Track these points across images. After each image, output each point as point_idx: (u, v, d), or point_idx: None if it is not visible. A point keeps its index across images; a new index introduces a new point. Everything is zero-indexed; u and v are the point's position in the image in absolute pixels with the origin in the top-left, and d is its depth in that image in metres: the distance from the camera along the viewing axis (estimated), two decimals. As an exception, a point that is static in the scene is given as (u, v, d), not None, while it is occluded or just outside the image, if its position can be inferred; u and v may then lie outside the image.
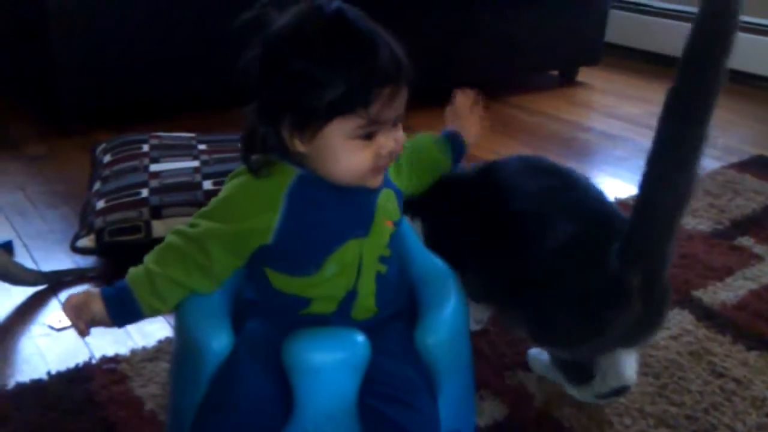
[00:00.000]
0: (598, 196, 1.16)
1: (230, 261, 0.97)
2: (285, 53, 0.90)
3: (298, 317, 0.97)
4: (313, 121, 0.90)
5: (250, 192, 0.96)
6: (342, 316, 0.98)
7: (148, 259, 0.98)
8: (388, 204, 1.01)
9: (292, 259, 0.96)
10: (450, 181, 1.24)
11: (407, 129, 0.98)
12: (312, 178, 0.95)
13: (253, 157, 0.96)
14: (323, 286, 0.96)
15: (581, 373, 1.18)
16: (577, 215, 1.11)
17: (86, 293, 0.97)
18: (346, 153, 0.92)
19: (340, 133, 0.90)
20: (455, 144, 1.25)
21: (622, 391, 1.19)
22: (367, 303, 0.99)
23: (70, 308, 0.96)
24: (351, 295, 0.97)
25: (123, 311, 0.96)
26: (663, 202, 0.97)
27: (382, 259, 1.00)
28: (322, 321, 0.97)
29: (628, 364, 1.17)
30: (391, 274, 1.02)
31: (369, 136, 0.91)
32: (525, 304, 1.10)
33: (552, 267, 1.07)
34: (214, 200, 0.98)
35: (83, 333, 0.97)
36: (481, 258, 1.17)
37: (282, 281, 0.97)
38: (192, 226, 0.97)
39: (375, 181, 0.96)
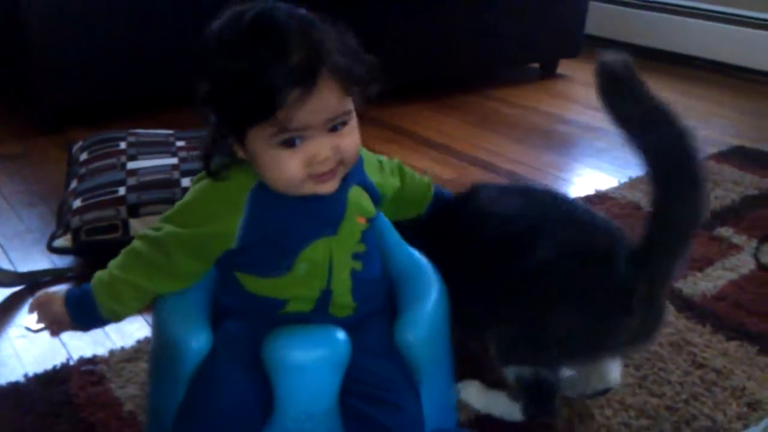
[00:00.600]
0: (585, 207, 1.18)
1: (194, 265, 0.97)
2: (206, 59, 0.89)
3: (276, 317, 0.96)
4: (233, 129, 0.88)
5: (211, 196, 0.95)
6: (320, 314, 0.97)
7: (112, 263, 0.99)
8: (360, 200, 0.99)
9: (260, 262, 0.95)
10: (440, 207, 1.23)
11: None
12: None
13: (214, 160, 0.94)
14: (296, 286, 0.96)
15: (547, 399, 1.12)
16: (573, 225, 1.11)
17: (51, 293, 1.00)
18: (272, 161, 0.89)
19: (260, 141, 0.88)
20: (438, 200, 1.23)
21: (605, 392, 1.19)
22: (343, 300, 0.98)
23: (35, 306, 1.00)
24: (326, 294, 0.97)
25: (82, 314, 0.99)
26: (682, 214, 1.01)
27: (357, 256, 0.99)
28: (300, 319, 0.96)
29: (613, 367, 1.19)
30: (369, 270, 1.01)
31: (290, 144, 0.87)
32: (525, 318, 1.07)
33: (555, 277, 1.05)
34: (177, 204, 0.98)
35: (53, 333, 0.99)
36: (477, 279, 1.13)
37: (254, 284, 0.97)
38: (156, 230, 0.96)
39: (323, 188, 0.92)
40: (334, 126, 0.90)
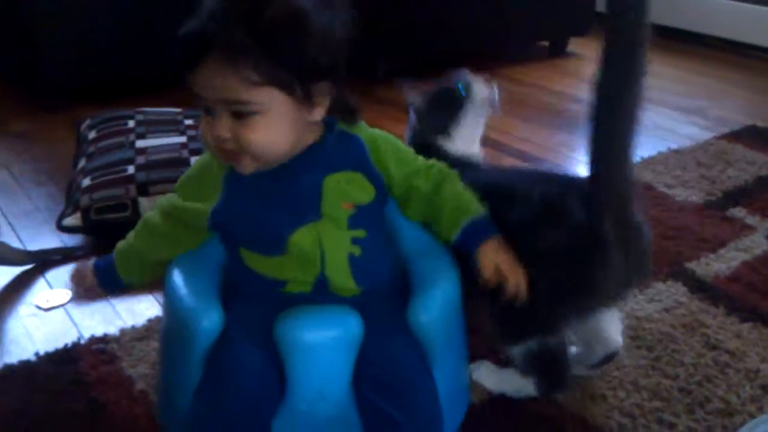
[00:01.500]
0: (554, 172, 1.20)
1: (191, 232, 1.01)
2: None
3: (279, 296, 0.96)
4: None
5: (200, 172, 1.01)
6: (322, 294, 0.96)
7: (130, 232, 1.06)
8: (347, 186, 0.97)
9: (255, 241, 0.97)
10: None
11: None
12: None
13: None
14: (292, 268, 0.95)
15: (559, 371, 1.12)
16: (539, 183, 1.12)
17: (84, 265, 1.08)
18: (201, 125, 0.94)
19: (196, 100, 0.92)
20: (465, 244, 1.04)
21: (611, 357, 1.18)
22: (343, 284, 0.97)
23: (72, 277, 1.09)
24: (322, 278, 0.96)
25: (108, 282, 1.06)
26: (612, 137, 1.05)
27: (356, 241, 0.97)
28: (303, 299, 0.96)
29: (613, 328, 1.17)
30: (372, 254, 0.99)
31: (207, 111, 0.90)
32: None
33: (525, 243, 1.03)
34: (184, 175, 1.05)
35: (89, 299, 1.18)
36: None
37: (254, 261, 0.97)
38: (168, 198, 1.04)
39: (238, 167, 0.93)
40: (239, 112, 0.88)
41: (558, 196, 1.08)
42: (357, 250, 0.97)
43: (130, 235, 1.06)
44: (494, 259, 1.00)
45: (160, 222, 1.02)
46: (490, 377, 1.18)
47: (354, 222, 0.97)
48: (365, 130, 1.02)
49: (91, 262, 1.08)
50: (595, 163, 1.06)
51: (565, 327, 1.12)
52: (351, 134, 1.00)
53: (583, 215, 1.03)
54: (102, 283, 1.07)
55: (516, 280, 1.00)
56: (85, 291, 1.08)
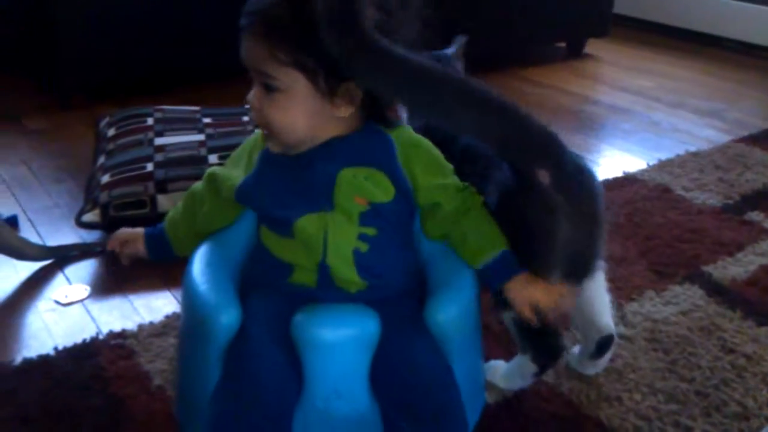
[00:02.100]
0: None
1: (227, 204, 1.04)
2: None
3: (286, 286, 0.98)
4: None
5: (247, 146, 1.05)
6: (327, 289, 0.97)
7: (180, 202, 1.12)
8: (364, 182, 0.97)
9: (269, 218, 1.00)
10: None
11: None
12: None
13: None
14: (296, 251, 0.97)
15: (550, 338, 1.11)
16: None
17: (130, 232, 1.14)
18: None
19: None
20: (490, 276, 1.01)
21: (607, 343, 1.17)
22: (347, 276, 0.97)
23: (116, 240, 1.15)
24: (323, 267, 0.96)
25: (159, 251, 1.13)
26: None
27: (364, 238, 0.97)
28: (310, 294, 0.97)
29: (604, 313, 1.17)
30: (380, 254, 0.98)
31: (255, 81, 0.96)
32: None
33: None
34: None
35: (125, 262, 1.16)
36: None
37: (269, 238, 1.01)
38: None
39: (268, 143, 1.00)
40: (267, 85, 0.93)
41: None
42: (364, 247, 0.98)
43: (179, 205, 1.11)
44: (528, 295, 0.97)
45: (201, 190, 1.07)
46: (501, 376, 1.19)
47: (366, 219, 0.98)
48: (404, 134, 1.02)
49: (140, 230, 1.13)
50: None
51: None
52: (384, 134, 1.00)
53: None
54: (152, 253, 1.12)
55: (556, 311, 0.99)
56: (127, 257, 1.15)
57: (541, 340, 1.10)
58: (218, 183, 1.04)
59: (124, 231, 1.16)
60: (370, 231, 0.98)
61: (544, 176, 0.93)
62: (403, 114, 1.16)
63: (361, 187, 0.97)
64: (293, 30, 0.90)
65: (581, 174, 0.97)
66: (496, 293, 1.03)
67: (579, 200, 0.95)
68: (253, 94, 0.95)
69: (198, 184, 1.09)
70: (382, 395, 0.91)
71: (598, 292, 1.18)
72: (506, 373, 1.18)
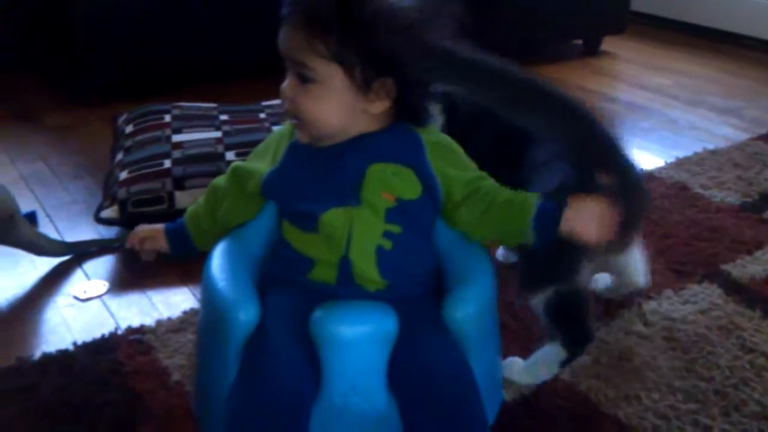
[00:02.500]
0: None
1: (249, 198, 1.04)
2: None
3: (306, 282, 0.98)
4: None
5: (273, 139, 1.06)
6: (346, 285, 0.97)
7: (201, 196, 1.12)
8: (393, 178, 0.98)
9: (293, 212, 1.00)
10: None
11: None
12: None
13: None
14: (319, 246, 0.97)
15: (580, 320, 1.15)
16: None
17: (151, 228, 1.15)
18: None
19: None
20: (544, 220, 0.96)
21: (638, 293, 1.36)
22: (367, 273, 0.97)
23: (135, 237, 1.15)
24: (345, 263, 0.97)
25: (179, 245, 1.13)
26: None
27: (388, 235, 0.97)
28: (329, 291, 0.97)
29: (638, 270, 1.35)
30: (404, 252, 0.99)
31: (289, 70, 0.96)
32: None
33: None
34: None
35: (146, 258, 1.17)
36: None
37: (291, 232, 1.00)
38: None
39: (297, 134, 1.00)
40: (302, 75, 0.94)
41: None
42: (388, 244, 0.98)
43: (200, 199, 1.11)
44: (587, 211, 0.93)
45: (224, 183, 1.07)
46: (521, 373, 1.19)
47: (391, 216, 0.98)
48: (432, 133, 1.03)
49: (160, 226, 1.13)
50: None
51: (578, 274, 1.13)
52: (413, 132, 1.01)
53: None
54: (173, 248, 1.13)
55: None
56: (148, 249, 1.15)
57: (573, 323, 1.13)
58: (242, 177, 1.04)
59: (143, 227, 1.16)
60: (395, 229, 0.98)
61: (606, 179, 0.95)
62: (437, 119, 1.18)
63: (389, 182, 0.98)
64: (337, 24, 0.90)
65: (639, 183, 1.02)
66: (527, 276, 1.12)
67: (634, 206, 0.99)
68: (287, 84, 0.96)
69: (220, 178, 1.09)
70: (401, 392, 0.91)
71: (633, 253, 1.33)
72: (529, 365, 1.19)
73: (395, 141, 0.99)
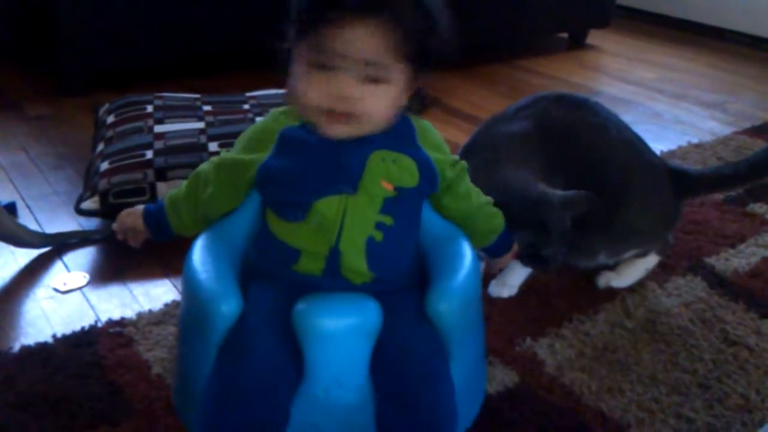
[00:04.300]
0: None
1: (234, 190, 1.02)
2: None
3: (290, 273, 0.96)
4: (290, 38, 0.93)
5: (262, 128, 1.01)
6: (333, 278, 0.96)
7: (183, 182, 1.08)
8: (392, 165, 0.97)
9: (279, 200, 0.98)
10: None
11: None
12: (302, 124, 0.97)
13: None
14: (308, 237, 0.95)
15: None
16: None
17: (133, 211, 1.10)
18: (303, 81, 0.92)
19: (300, 56, 0.92)
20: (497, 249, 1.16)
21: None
22: (355, 266, 0.96)
23: (121, 228, 1.11)
24: (334, 253, 0.95)
25: (158, 229, 1.08)
26: None
27: (380, 226, 0.97)
28: (314, 283, 0.96)
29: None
30: (395, 244, 0.98)
31: (322, 67, 0.90)
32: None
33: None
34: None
35: (135, 245, 1.12)
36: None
37: (276, 224, 0.98)
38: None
39: (333, 129, 0.94)
40: (373, 77, 0.91)
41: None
42: (378, 236, 0.97)
43: (182, 185, 1.07)
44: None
45: (207, 172, 1.04)
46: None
47: (387, 206, 0.97)
48: (416, 118, 1.03)
49: (140, 208, 1.10)
50: None
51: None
52: (407, 118, 1.01)
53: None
54: (153, 232, 1.09)
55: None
56: (133, 237, 1.11)
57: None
58: (232, 167, 1.01)
59: (128, 214, 1.11)
60: (387, 220, 0.97)
61: None
62: None
63: (389, 170, 0.97)
64: (420, 26, 0.91)
65: None
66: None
67: None
68: (349, 83, 0.90)
69: (204, 166, 1.06)
70: (378, 385, 0.90)
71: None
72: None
73: (394, 129, 0.98)
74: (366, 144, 0.97)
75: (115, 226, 1.13)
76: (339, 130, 0.95)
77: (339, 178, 0.96)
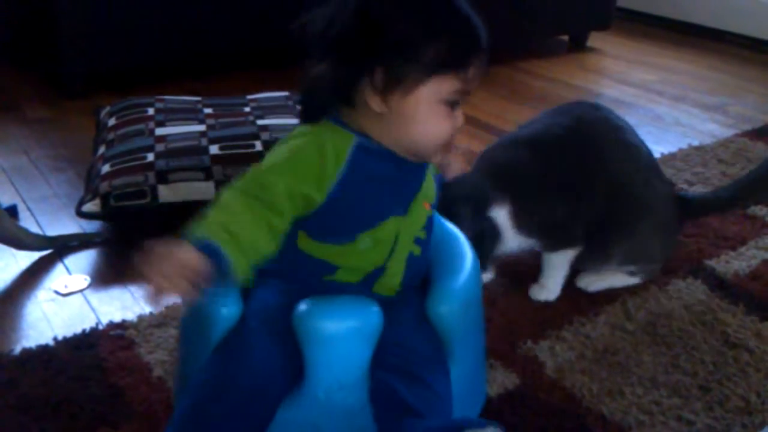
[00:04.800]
0: None
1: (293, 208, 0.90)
2: (387, 7, 0.89)
3: (319, 282, 0.95)
4: (411, 76, 0.88)
5: (316, 145, 0.91)
6: (364, 288, 0.96)
7: (210, 217, 0.86)
8: (430, 185, 1.00)
9: (329, 227, 0.93)
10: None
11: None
12: (371, 147, 0.93)
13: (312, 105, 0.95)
14: (354, 257, 0.94)
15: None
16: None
17: (167, 246, 0.80)
18: (433, 118, 0.91)
19: (434, 94, 0.89)
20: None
21: None
22: (393, 281, 0.97)
23: (154, 261, 0.79)
24: (378, 271, 0.96)
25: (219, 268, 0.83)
26: None
27: (418, 241, 0.98)
28: (342, 289, 0.95)
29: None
30: (424, 255, 1.00)
31: (453, 104, 0.91)
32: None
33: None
34: (279, 156, 0.91)
35: (187, 294, 0.81)
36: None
37: (312, 246, 0.94)
38: (261, 183, 0.89)
39: (438, 157, 0.99)
40: (457, 103, 0.94)
41: None
42: (417, 250, 0.99)
43: (227, 208, 0.87)
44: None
45: (280, 203, 0.88)
46: None
47: (428, 223, 1.00)
48: None
49: (174, 244, 0.80)
50: None
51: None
52: None
53: None
54: (217, 268, 0.82)
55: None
56: (179, 285, 0.79)
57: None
58: (298, 198, 0.89)
59: (165, 256, 0.79)
60: (423, 234, 0.99)
61: None
62: None
63: (428, 191, 1.00)
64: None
65: None
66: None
67: None
68: (462, 117, 0.94)
69: (263, 191, 0.87)
70: (379, 386, 0.90)
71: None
72: None
73: None
74: (424, 168, 0.99)
75: (149, 280, 0.79)
76: (441, 156, 1.01)
77: (398, 202, 0.96)
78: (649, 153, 1.43)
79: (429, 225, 1.01)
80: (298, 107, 0.99)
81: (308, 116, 0.95)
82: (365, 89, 0.89)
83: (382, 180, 0.94)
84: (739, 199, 1.50)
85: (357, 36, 0.88)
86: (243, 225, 0.85)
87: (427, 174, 0.99)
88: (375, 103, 0.89)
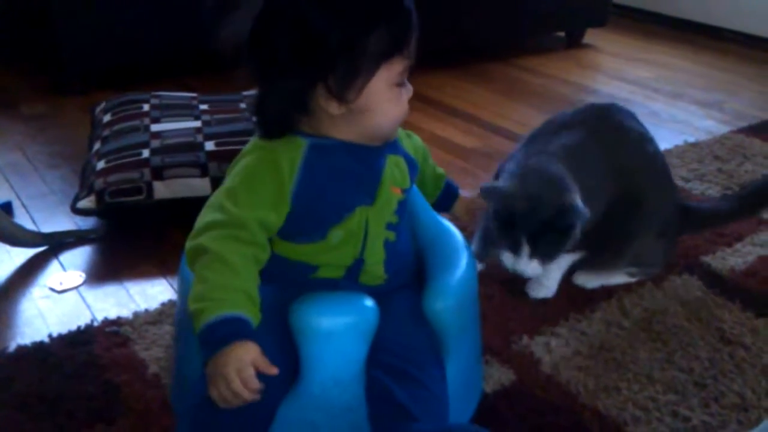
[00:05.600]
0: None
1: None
2: (323, 12, 0.86)
3: (307, 281, 0.96)
4: (362, 73, 0.88)
5: (269, 162, 0.92)
6: (350, 281, 0.96)
7: (206, 274, 0.86)
8: (395, 170, 0.98)
9: (300, 228, 0.93)
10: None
11: (414, 95, 0.97)
12: (324, 145, 0.93)
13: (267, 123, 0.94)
14: (329, 253, 0.95)
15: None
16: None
17: (244, 353, 0.82)
18: (391, 102, 0.92)
19: (385, 80, 0.90)
20: (447, 191, 1.23)
21: None
22: (375, 270, 0.97)
23: (243, 380, 0.81)
24: (358, 263, 0.96)
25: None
26: None
27: (390, 227, 0.98)
28: (330, 285, 0.95)
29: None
30: (402, 241, 1.00)
31: (401, 84, 0.92)
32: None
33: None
34: (231, 183, 0.92)
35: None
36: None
37: (287, 248, 0.95)
38: (238, 222, 0.89)
39: (395, 134, 1.00)
40: (404, 83, 0.95)
41: None
42: (392, 236, 0.98)
43: (232, 282, 0.86)
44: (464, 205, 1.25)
45: (253, 240, 0.89)
46: None
47: (399, 208, 0.99)
48: None
49: (239, 345, 0.82)
50: None
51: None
52: None
53: None
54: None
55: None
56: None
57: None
58: (267, 224, 0.91)
59: (240, 367, 0.82)
60: (395, 219, 0.99)
61: None
62: None
63: (394, 175, 0.98)
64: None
65: None
66: None
67: None
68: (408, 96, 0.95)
69: (234, 230, 0.88)
70: (374, 383, 0.90)
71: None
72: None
73: None
74: (384, 152, 0.98)
75: (229, 396, 0.82)
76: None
77: (363, 192, 0.95)
78: (664, 160, 1.43)
79: (401, 210, 1.00)
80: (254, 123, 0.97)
81: (268, 133, 0.94)
82: (319, 97, 0.89)
83: (341, 173, 0.94)
84: (737, 213, 1.51)
85: (302, 49, 0.87)
86: (247, 277, 0.87)
87: (387, 159, 0.98)
88: (332, 107, 0.90)
